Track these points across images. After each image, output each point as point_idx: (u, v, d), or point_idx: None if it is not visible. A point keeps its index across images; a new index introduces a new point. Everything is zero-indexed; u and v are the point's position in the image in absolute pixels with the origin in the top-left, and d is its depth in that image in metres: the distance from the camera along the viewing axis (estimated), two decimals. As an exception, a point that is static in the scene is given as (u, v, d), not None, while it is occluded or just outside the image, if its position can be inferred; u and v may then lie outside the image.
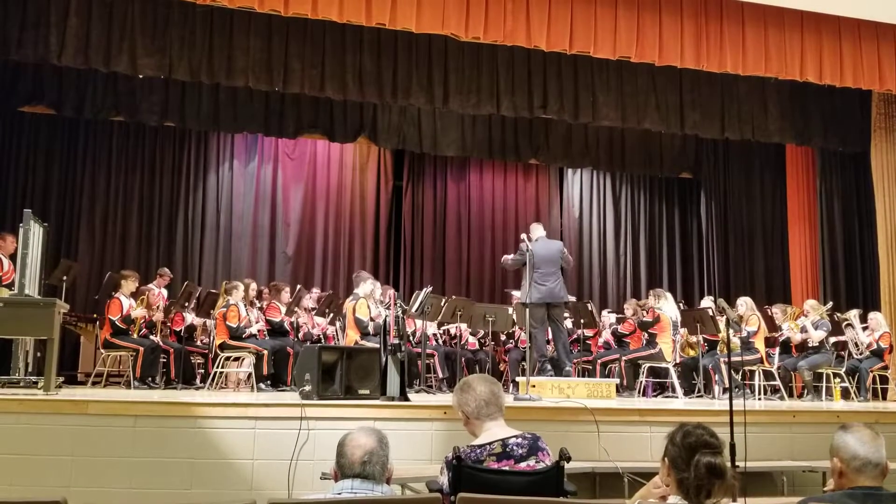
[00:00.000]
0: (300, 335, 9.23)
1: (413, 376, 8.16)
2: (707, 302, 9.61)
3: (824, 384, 8.75)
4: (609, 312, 10.54)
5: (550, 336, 8.34)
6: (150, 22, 8.24)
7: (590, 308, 9.60)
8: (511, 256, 8.37)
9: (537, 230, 8.31)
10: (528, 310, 7.94)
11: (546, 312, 8.04)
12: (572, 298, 9.29)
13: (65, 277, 8.27)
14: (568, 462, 2.96)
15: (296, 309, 9.13)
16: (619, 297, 12.58)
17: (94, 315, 9.47)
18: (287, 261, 11.82)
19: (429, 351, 9.23)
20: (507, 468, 2.89)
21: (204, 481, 5.02)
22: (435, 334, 10.01)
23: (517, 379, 8.58)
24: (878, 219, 10.05)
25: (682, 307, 9.56)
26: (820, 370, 8.76)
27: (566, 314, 9.01)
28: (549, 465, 2.93)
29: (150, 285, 9.25)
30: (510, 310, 9.34)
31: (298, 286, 9.80)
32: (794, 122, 10.21)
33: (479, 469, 2.86)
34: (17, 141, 10.71)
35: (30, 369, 7.58)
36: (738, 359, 8.20)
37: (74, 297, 9.65)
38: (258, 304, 9.06)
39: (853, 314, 9.34)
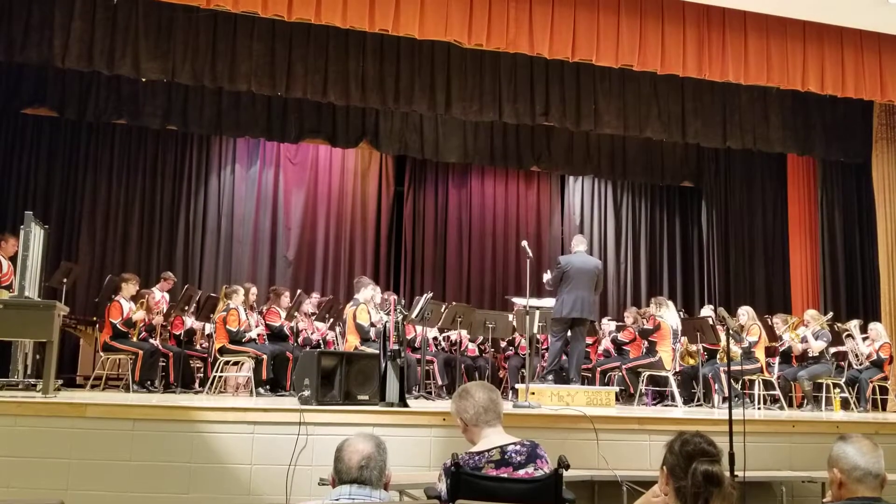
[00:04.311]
0: (300, 340, 9.23)
1: (412, 382, 8.15)
2: (707, 311, 9.60)
3: (824, 394, 8.74)
4: (609, 320, 10.53)
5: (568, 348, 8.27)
6: (153, 26, 8.26)
7: (590, 316, 9.58)
8: (548, 276, 8.19)
9: (579, 243, 8.19)
10: (551, 319, 7.96)
11: (569, 326, 7.96)
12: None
13: (65, 280, 8.28)
14: (566, 470, 2.95)
15: (296, 314, 9.12)
16: (619, 305, 12.58)
17: (94, 318, 9.47)
18: (288, 265, 11.82)
19: (428, 357, 9.23)
20: (505, 475, 2.88)
21: (201, 486, 5.02)
22: (435, 338, 10.01)
23: (517, 386, 8.57)
24: (878, 229, 10.04)
25: (682, 316, 9.55)
26: (820, 380, 8.75)
27: None
28: (548, 472, 2.93)
29: (153, 289, 9.27)
30: (510, 316, 9.34)
31: (299, 291, 9.80)
32: (796, 131, 10.22)
33: (477, 476, 2.86)
34: (19, 143, 10.73)
35: (29, 372, 7.58)
36: (738, 368, 8.19)
37: (74, 300, 9.65)
38: (258, 309, 9.06)
39: (853, 324, 9.34)
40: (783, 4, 8.52)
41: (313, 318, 9.68)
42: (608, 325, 10.28)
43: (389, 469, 2.61)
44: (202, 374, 9.05)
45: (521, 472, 2.90)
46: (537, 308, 8.66)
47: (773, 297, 11.87)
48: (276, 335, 8.61)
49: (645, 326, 9.09)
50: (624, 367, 8.99)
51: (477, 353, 10.38)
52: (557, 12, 8.19)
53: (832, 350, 9.20)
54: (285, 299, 8.99)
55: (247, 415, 5.27)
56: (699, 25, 8.56)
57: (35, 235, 6.32)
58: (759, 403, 8.68)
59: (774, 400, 8.93)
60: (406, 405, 5.94)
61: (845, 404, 8.79)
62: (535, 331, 8.67)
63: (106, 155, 11.15)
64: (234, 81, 8.57)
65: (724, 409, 6.78)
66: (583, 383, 8.16)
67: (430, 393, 9.03)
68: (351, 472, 2.51)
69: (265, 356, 8.04)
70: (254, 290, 9.27)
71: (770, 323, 9.57)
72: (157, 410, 5.27)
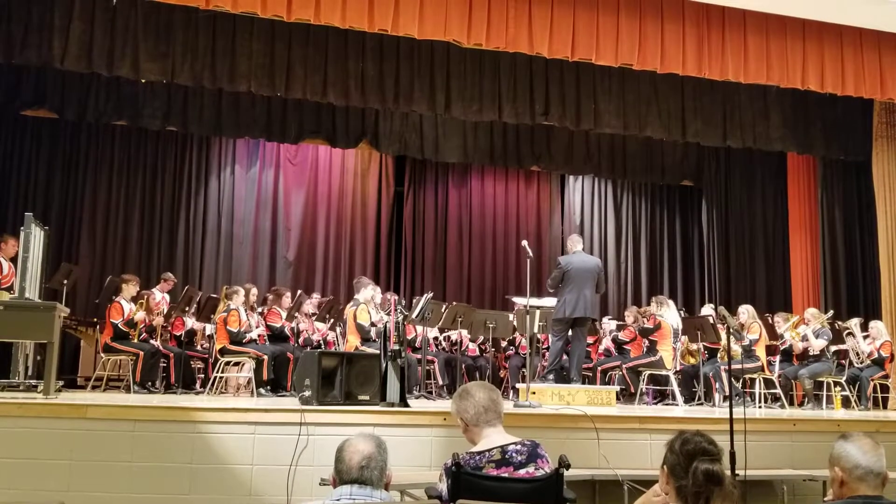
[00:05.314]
0: (300, 340, 9.22)
1: (413, 382, 8.15)
2: (707, 309, 9.60)
3: (825, 393, 8.74)
4: (609, 319, 10.53)
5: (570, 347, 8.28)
6: (152, 27, 8.25)
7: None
8: (550, 278, 8.20)
9: (577, 243, 8.21)
10: (552, 319, 7.99)
11: (570, 325, 7.97)
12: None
13: (65, 281, 8.27)
14: (567, 469, 2.95)
15: (296, 314, 9.12)
16: (619, 305, 12.57)
17: (95, 319, 9.47)
18: (288, 266, 11.82)
19: (429, 357, 9.23)
20: (506, 475, 2.88)
21: (203, 487, 5.02)
22: (436, 338, 10.00)
23: (517, 385, 8.58)
24: (878, 227, 10.03)
25: (682, 315, 9.55)
26: (821, 379, 8.75)
27: None
28: (549, 472, 2.93)
29: (154, 290, 9.27)
30: (511, 316, 9.33)
31: (299, 291, 9.80)
32: (796, 130, 10.21)
33: (478, 476, 2.85)
34: (19, 144, 10.72)
35: (29, 373, 7.58)
36: (739, 367, 8.19)
37: (75, 301, 9.64)
38: (259, 309, 9.06)
39: (854, 323, 9.33)
40: (783, 3, 8.51)
41: (314, 318, 9.67)
42: (609, 324, 10.28)
43: (390, 469, 2.61)
44: (203, 375, 9.05)
45: (522, 472, 2.90)
46: (538, 307, 8.65)
47: (773, 296, 11.87)
48: (276, 336, 8.61)
49: (645, 325, 9.09)
50: (624, 366, 8.99)
51: (477, 352, 10.38)
52: (557, 12, 8.18)
53: (833, 348, 9.20)
54: (286, 300, 8.99)
55: (248, 415, 5.27)
56: (699, 24, 8.55)
57: (35, 237, 6.32)
58: (759, 402, 8.68)
59: (775, 398, 8.92)
60: (407, 405, 5.94)
61: (846, 403, 8.79)
62: (536, 330, 8.67)
63: (106, 156, 11.15)
64: (234, 82, 8.57)
65: (724, 408, 6.78)
66: (583, 383, 8.15)
67: (430, 393, 9.03)
68: (352, 472, 2.51)
69: (266, 357, 8.04)
70: (254, 290, 9.27)
71: (771, 321, 9.57)
72: (158, 411, 5.27)
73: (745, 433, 4.74)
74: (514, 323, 9.25)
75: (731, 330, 5.18)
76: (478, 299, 12.12)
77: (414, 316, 7.92)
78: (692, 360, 9.42)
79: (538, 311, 8.62)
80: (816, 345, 8.77)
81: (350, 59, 8.83)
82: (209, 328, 8.92)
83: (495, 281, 12.67)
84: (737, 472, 4.49)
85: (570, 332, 8.02)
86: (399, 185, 12.54)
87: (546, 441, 3.16)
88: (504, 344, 10.72)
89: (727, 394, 7.19)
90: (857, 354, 9.20)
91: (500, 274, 12.74)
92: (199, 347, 9.25)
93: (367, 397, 6.16)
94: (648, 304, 10.17)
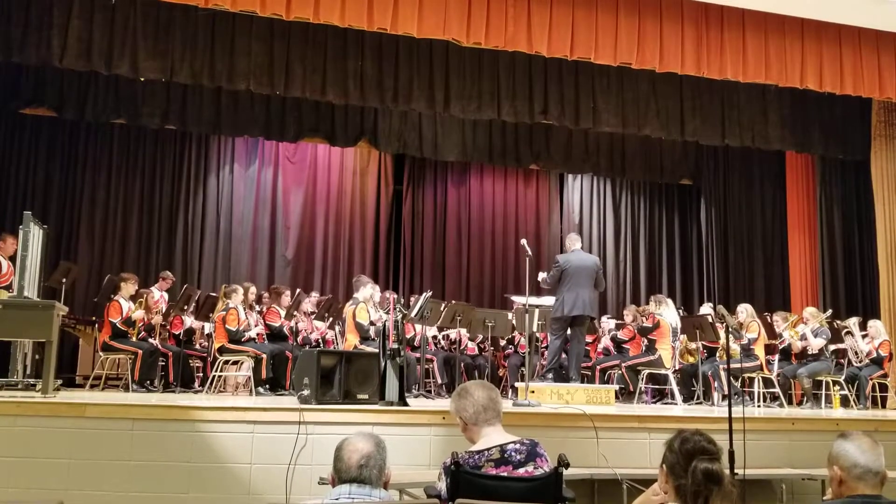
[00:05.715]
0: (299, 339, 9.22)
1: (412, 381, 8.15)
2: (706, 308, 9.60)
3: (824, 392, 8.75)
4: (608, 318, 10.54)
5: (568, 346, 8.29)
6: (151, 25, 8.25)
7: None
8: (546, 274, 8.19)
9: (575, 241, 8.22)
10: (551, 318, 7.99)
11: (569, 324, 7.97)
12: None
13: (64, 280, 8.27)
14: (566, 468, 2.95)
15: (295, 313, 9.12)
16: (618, 303, 12.58)
17: (93, 318, 9.46)
18: (287, 264, 11.82)
19: (428, 356, 9.23)
20: (505, 474, 2.88)
21: (201, 486, 5.01)
22: (435, 337, 10.00)
23: (516, 384, 8.58)
24: (877, 227, 10.05)
25: (681, 314, 9.55)
26: (819, 378, 8.75)
27: None
28: (548, 471, 2.93)
29: (152, 288, 9.27)
30: (510, 315, 9.33)
31: (298, 290, 9.79)
32: (795, 129, 10.22)
33: (477, 475, 2.85)
34: (17, 143, 10.72)
35: (28, 372, 7.58)
36: (738, 366, 8.19)
37: (73, 300, 9.65)
38: (257, 308, 9.05)
39: (853, 322, 9.34)
40: (781, 2, 8.52)
41: (312, 317, 9.67)
42: (608, 322, 10.29)
43: (389, 468, 2.61)
44: (202, 374, 9.04)
45: (521, 471, 2.90)
46: (536, 306, 8.66)
47: (772, 295, 11.88)
48: (275, 334, 8.61)
49: (644, 324, 9.09)
50: (623, 365, 8.99)
51: (476, 351, 10.38)
52: (556, 10, 8.19)
53: (832, 347, 9.20)
54: (286, 298, 8.98)
55: (246, 414, 5.26)
56: (697, 23, 8.56)
57: (34, 235, 6.31)
58: (758, 401, 8.68)
59: (774, 397, 8.93)
60: (405, 404, 5.93)
61: (845, 402, 8.79)
62: (535, 329, 8.67)
63: (105, 155, 11.14)
64: (233, 81, 8.56)
65: (723, 407, 6.78)
66: (582, 381, 8.16)
67: (429, 392, 9.03)
68: (350, 471, 2.51)
69: (265, 355, 8.03)
70: (253, 289, 9.27)
71: (769, 321, 9.57)
72: (157, 410, 5.26)
73: (744, 432, 4.74)
74: (513, 322, 9.25)
75: (730, 329, 5.18)
76: (477, 298, 12.12)
77: (413, 314, 7.92)
78: (691, 359, 9.42)
79: (537, 310, 8.62)
80: (815, 344, 8.78)
81: (349, 57, 8.83)
82: (208, 327, 8.91)
83: (494, 279, 12.67)
84: (736, 471, 4.49)
85: (568, 331, 8.03)
86: (398, 184, 12.54)
87: (545, 440, 3.16)
88: (503, 343, 10.73)
89: (726, 393, 7.20)
90: (856, 353, 9.20)
91: (499, 273, 12.74)
92: (197, 346, 9.25)
93: (365, 396, 6.16)
94: (647, 303, 10.17)
